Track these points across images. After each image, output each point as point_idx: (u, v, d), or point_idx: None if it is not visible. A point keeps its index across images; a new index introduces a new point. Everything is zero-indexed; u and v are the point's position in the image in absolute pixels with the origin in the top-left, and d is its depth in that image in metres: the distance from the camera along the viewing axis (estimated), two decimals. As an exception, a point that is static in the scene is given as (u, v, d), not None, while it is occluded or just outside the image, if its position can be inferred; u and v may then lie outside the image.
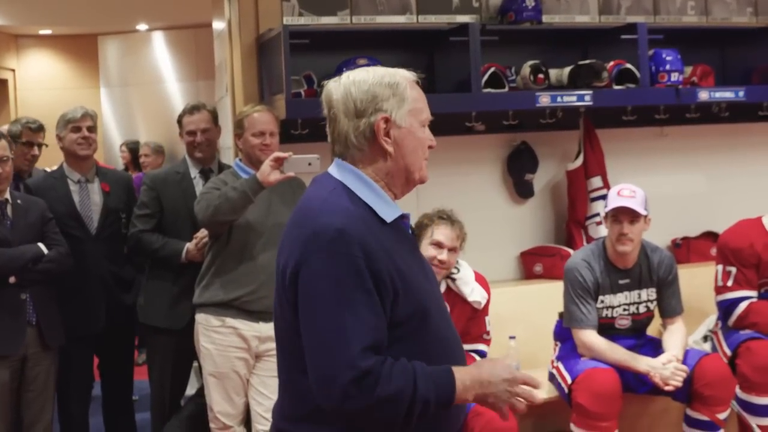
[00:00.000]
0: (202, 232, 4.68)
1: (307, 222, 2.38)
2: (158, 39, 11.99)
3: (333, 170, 2.49)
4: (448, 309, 2.59)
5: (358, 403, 2.25)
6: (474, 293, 4.56)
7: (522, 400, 2.42)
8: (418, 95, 2.49)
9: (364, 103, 2.43)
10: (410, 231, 2.57)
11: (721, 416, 4.70)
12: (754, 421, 4.96)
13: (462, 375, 2.35)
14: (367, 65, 2.62)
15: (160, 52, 11.98)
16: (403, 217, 2.49)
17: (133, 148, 8.84)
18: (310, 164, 3.91)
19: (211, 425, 4.57)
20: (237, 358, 4.46)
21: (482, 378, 2.37)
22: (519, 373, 2.43)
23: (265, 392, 4.40)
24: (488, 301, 4.68)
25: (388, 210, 2.43)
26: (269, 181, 4.13)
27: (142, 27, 11.82)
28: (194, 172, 5.01)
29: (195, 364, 5.16)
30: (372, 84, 2.44)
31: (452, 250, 4.41)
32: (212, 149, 5.08)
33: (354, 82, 2.45)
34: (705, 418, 4.69)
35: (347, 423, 2.33)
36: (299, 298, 2.34)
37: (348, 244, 2.29)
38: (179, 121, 5.08)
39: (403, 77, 2.48)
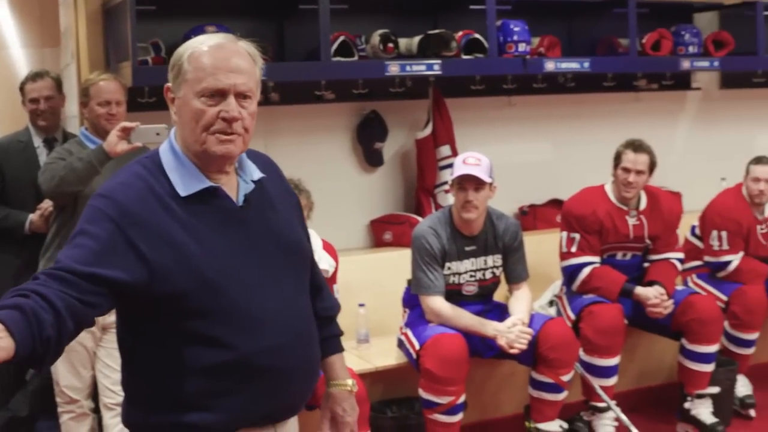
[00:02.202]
0: (47, 203, 4.59)
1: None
2: (0, 2, 11.61)
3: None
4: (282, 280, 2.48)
5: None
6: (321, 262, 4.53)
7: None
8: (204, 64, 2.31)
9: (170, 70, 2.39)
10: (240, 202, 2.41)
11: (565, 378, 4.84)
12: (596, 382, 5.13)
13: None
14: (216, 33, 2.52)
15: (3, 16, 11.59)
16: (216, 190, 2.35)
17: None
18: (158, 134, 3.83)
19: (58, 399, 4.48)
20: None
21: None
22: None
23: (112, 365, 4.32)
24: (336, 270, 4.69)
25: (186, 183, 2.33)
26: (116, 152, 4.04)
27: (-17, -10, 11.43)
28: (38, 141, 4.91)
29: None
30: (176, 52, 2.38)
31: (299, 219, 4.40)
32: (56, 118, 4.99)
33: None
34: (549, 380, 4.81)
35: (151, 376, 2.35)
36: None
37: (104, 202, 2.25)
38: (21, 89, 4.98)
39: (201, 43, 2.35)
